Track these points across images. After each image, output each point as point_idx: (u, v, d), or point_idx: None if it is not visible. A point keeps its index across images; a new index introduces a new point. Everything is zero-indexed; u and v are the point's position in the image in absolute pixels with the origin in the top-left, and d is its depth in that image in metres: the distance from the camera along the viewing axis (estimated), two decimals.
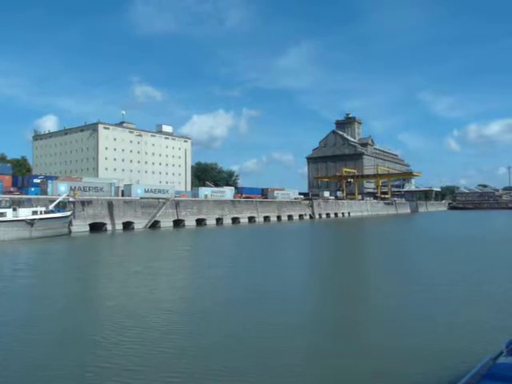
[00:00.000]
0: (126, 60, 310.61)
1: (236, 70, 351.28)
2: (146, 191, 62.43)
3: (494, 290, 17.47)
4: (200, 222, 64.36)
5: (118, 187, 62.38)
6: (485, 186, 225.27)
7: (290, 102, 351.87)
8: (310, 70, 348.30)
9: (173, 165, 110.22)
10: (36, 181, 54.05)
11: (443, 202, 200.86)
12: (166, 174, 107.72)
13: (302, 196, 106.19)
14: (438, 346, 10.52)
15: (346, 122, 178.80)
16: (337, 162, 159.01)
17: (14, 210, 39.90)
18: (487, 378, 5.09)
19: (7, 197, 43.64)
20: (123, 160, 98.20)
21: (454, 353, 10.17)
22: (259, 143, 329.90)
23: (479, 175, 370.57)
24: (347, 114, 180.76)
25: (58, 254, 33.13)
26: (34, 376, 9.05)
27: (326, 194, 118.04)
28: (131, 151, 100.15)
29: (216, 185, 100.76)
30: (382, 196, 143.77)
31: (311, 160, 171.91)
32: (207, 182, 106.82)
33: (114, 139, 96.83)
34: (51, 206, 44.06)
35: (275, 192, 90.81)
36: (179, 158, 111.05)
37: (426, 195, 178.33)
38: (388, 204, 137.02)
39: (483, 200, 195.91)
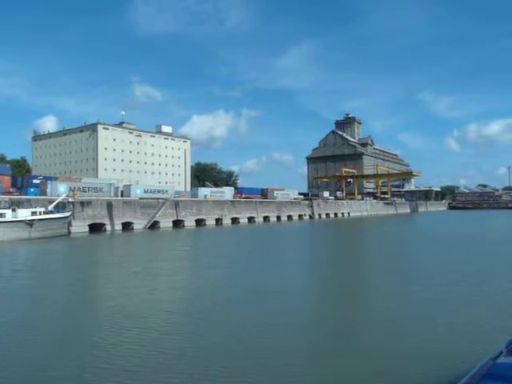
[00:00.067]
0: (126, 60, 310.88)
1: (236, 70, 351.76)
2: (145, 191, 62.38)
3: (494, 289, 17.46)
4: (199, 223, 64.33)
5: (118, 188, 62.32)
6: (485, 186, 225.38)
7: (290, 102, 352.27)
8: (310, 70, 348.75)
9: (172, 165, 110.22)
10: (35, 181, 54.01)
11: (443, 201, 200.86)
12: (166, 174, 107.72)
13: (302, 196, 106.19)
14: (438, 346, 10.50)
15: (346, 122, 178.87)
16: (336, 162, 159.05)
17: (13, 210, 39.85)
18: (487, 377, 5.08)
19: (6, 197, 43.59)
20: (123, 160, 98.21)
21: (454, 353, 10.15)
22: (259, 143, 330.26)
23: (479, 175, 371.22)
24: (347, 114, 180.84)
25: (57, 255, 33.11)
26: (33, 377, 9.02)
27: (326, 194, 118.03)
28: (131, 151, 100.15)
29: (216, 185, 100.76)
30: (382, 196, 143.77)
31: (311, 160, 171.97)
32: (207, 183, 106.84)
33: (114, 139, 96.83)
34: (50, 207, 44.02)
35: (275, 192, 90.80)
36: (179, 158, 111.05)
37: (426, 195, 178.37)
38: (388, 204, 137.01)
39: (483, 200, 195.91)
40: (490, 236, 46.84)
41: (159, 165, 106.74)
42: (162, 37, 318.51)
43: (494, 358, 5.73)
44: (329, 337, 11.70)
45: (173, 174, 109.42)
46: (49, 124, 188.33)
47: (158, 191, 64.63)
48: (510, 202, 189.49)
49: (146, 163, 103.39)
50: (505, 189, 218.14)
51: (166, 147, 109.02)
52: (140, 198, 58.91)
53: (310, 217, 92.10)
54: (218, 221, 67.72)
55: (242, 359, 9.87)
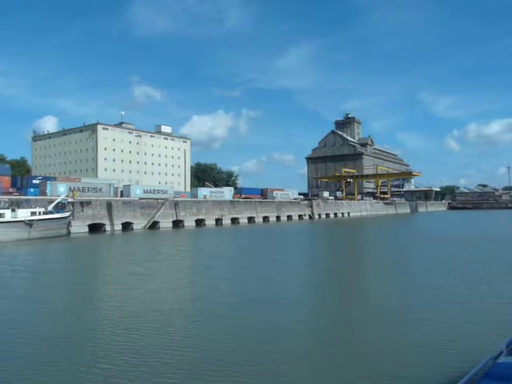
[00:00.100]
0: (126, 61, 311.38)
1: (236, 70, 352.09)
2: (144, 192, 62.36)
3: (494, 289, 17.42)
4: (199, 223, 64.32)
5: (117, 188, 62.35)
6: (484, 186, 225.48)
7: (290, 102, 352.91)
8: (310, 71, 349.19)
9: (172, 165, 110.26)
10: (35, 182, 53.99)
11: (443, 201, 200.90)
12: (166, 174, 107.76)
13: (302, 196, 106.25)
14: (438, 346, 10.46)
15: (346, 122, 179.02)
16: (336, 162, 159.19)
17: (13, 210, 39.80)
18: (487, 377, 5.07)
19: (6, 198, 43.57)
20: (122, 161, 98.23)
21: (454, 353, 10.11)
22: (259, 143, 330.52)
23: (479, 175, 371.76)
24: (347, 114, 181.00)
25: (56, 255, 33.06)
26: (31, 376, 8.98)
27: (326, 194, 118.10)
28: (130, 152, 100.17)
29: (215, 185, 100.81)
30: (382, 196, 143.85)
31: (311, 160, 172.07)
32: (207, 183, 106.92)
33: (113, 140, 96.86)
34: (50, 207, 43.98)
35: (274, 192, 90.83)
36: (178, 158, 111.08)
37: (426, 195, 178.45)
38: (387, 204, 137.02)
39: (483, 200, 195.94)
40: (490, 236, 46.78)
41: (159, 165, 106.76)
42: (161, 37, 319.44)
43: (495, 357, 5.73)
44: (329, 337, 11.65)
45: (172, 175, 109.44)
46: (49, 124, 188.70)
47: (158, 191, 64.63)
48: (510, 202, 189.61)
49: (145, 163, 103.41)
50: (505, 189, 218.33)
51: (166, 147, 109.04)
52: (140, 198, 58.90)
53: (310, 217, 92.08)
54: (218, 221, 67.71)
55: (241, 359, 9.82)
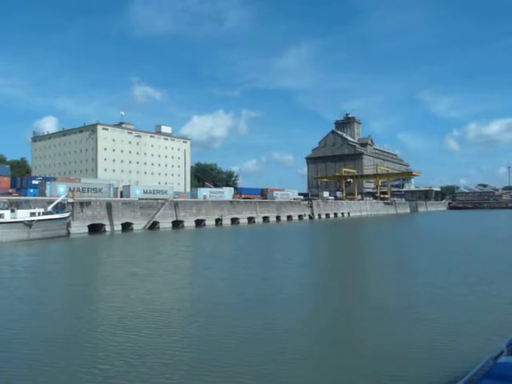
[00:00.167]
0: (126, 61, 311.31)
1: (236, 70, 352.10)
2: (144, 192, 62.31)
3: (494, 289, 17.41)
4: (199, 223, 64.28)
5: (117, 188, 62.29)
6: (485, 186, 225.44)
7: (290, 102, 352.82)
8: (310, 71, 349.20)
9: (172, 166, 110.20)
10: (34, 182, 53.90)
11: (443, 201, 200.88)
12: (166, 174, 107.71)
13: (302, 196, 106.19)
14: (438, 346, 10.44)
15: (346, 122, 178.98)
16: (336, 162, 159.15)
17: (12, 211, 39.74)
18: (488, 377, 5.06)
19: (5, 198, 43.53)
20: (122, 161, 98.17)
21: (454, 353, 10.09)
22: (259, 144, 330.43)
23: (479, 175, 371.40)
24: (347, 114, 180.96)
25: (56, 256, 33.03)
26: (31, 377, 8.95)
27: (326, 194, 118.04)
28: (130, 152, 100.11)
29: (215, 185, 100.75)
30: (382, 196, 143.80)
31: (311, 160, 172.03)
32: (207, 183, 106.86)
33: (113, 140, 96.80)
34: (50, 208, 43.92)
35: (274, 192, 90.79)
36: (178, 158, 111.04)
37: (426, 195, 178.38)
38: (387, 204, 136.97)
39: (483, 200, 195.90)
40: (490, 236, 46.77)
41: (159, 165, 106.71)
42: (161, 37, 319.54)
43: (495, 357, 5.72)
44: (328, 337, 11.63)
45: (172, 175, 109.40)
46: (48, 125, 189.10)
47: (158, 192, 64.57)
48: (510, 202, 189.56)
49: (145, 164, 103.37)
50: (505, 188, 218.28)
51: (166, 148, 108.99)
52: (139, 199, 58.86)
53: (310, 217, 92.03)
54: (218, 221, 67.67)
55: (241, 359, 9.80)
